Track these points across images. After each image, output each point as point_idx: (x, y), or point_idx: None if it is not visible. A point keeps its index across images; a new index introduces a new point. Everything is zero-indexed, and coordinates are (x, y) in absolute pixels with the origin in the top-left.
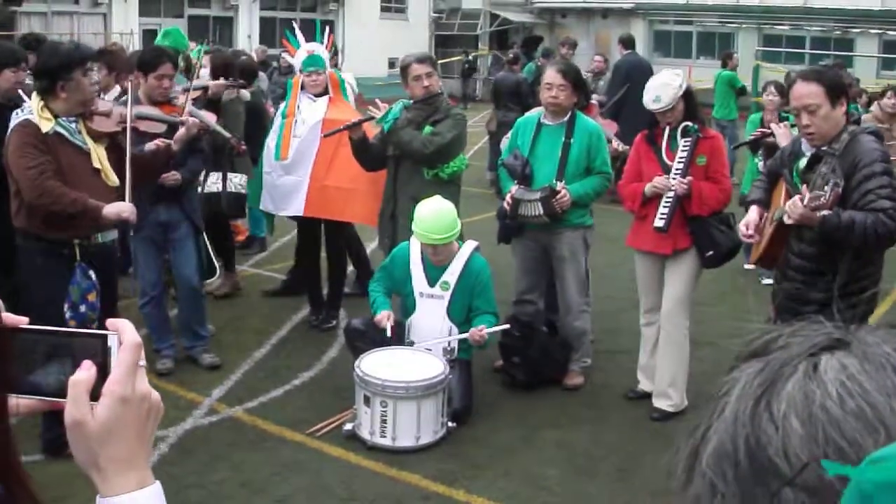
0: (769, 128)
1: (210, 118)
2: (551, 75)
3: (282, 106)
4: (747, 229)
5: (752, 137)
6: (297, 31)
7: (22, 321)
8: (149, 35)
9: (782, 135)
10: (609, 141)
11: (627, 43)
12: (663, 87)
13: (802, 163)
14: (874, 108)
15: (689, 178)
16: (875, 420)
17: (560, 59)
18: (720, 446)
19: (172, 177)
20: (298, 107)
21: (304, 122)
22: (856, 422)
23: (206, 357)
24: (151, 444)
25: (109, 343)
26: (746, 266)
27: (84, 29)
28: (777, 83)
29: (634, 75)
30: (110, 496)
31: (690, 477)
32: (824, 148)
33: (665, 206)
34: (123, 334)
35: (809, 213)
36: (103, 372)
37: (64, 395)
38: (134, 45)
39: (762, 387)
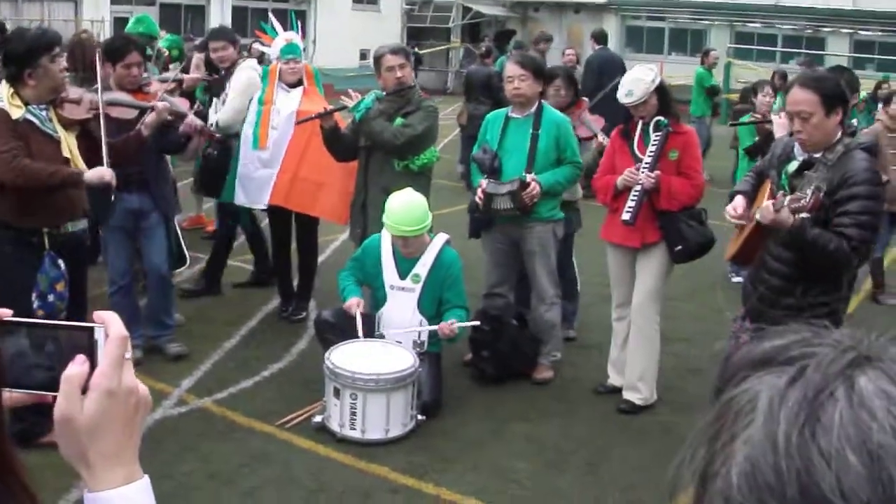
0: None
1: (183, 104)
2: (511, 68)
3: (257, 93)
4: (735, 210)
5: (751, 120)
6: (274, 21)
7: (6, 313)
8: (120, 22)
9: (780, 125)
10: (594, 136)
11: (600, 38)
12: (636, 81)
13: (792, 166)
14: (880, 113)
15: (656, 171)
16: None
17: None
18: (757, 475)
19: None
20: (275, 95)
21: (278, 112)
22: None
23: (173, 347)
24: (139, 438)
25: (96, 336)
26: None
27: (55, 16)
28: (772, 83)
29: (606, 70)
30: (98, 491)
31: (701, 497)
32: (817, 156)
33: (633, 200)
34: (110, 327)
35: (782, 217)
36: (91, 365)
37: (49, 389)
38: (105, 32)
39: (803, 412)
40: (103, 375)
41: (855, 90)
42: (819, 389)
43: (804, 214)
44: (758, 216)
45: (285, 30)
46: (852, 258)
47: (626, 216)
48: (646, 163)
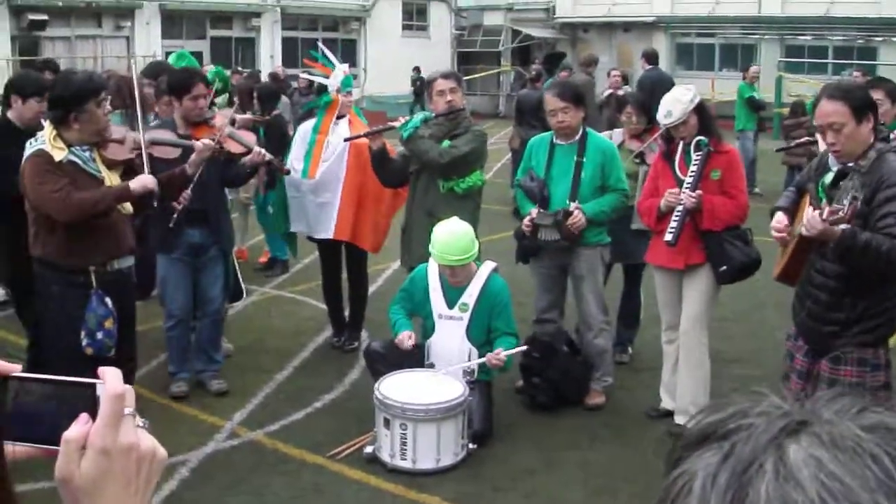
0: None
1: (250, 138)
2: (551, 101)
3: (312, 122)
4: (779, 224)
5: (796, 144)
6: (327, 51)
7: (14, 369)
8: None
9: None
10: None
11: (651, 57)
12: (674, 102)
13: (828, 178)
14: None
15: (698, 191)
16: None
17: (585, 75)
18: None
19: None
20: (332, 127)
21: (330, 144)
22: None
23: (215, 383)
24: (149, 494)
25: (98, 392)
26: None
27: (107, 52)
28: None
29: (658, 90)
30: None
31: None
32: (850, 164)
33: (675, 220)
34: (107, 383)
35: (828, 227)
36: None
37: (53, 443)
38: None
39: (731, 490)
40: (97, 434)
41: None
42: (748, 463)
43: (844, 226)
44: (803, 230)
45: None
46: None
47: (668, 237)
48: (687, 183)
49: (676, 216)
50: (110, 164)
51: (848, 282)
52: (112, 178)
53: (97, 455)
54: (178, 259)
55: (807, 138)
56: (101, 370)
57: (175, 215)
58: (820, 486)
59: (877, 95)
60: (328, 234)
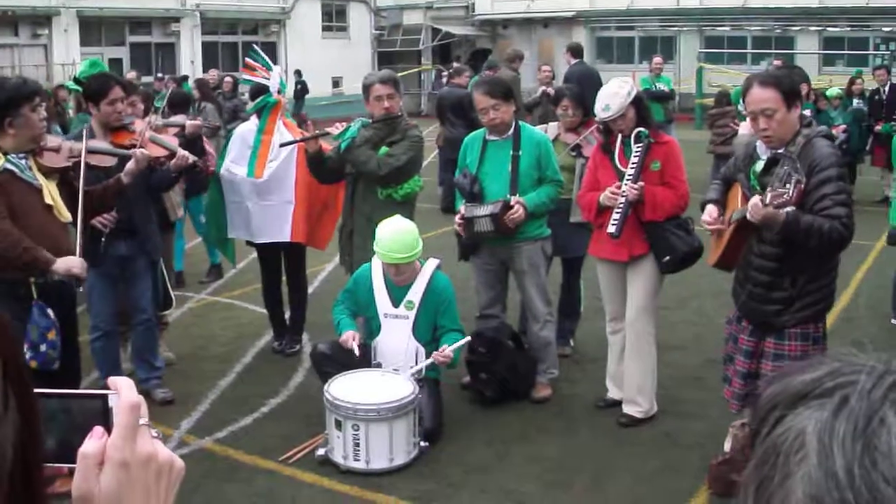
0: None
1: (172, 141)
2: (480, 99)
3: (253, 123)
4: (710, 217)
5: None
6: (261, 52)
7: None
8: None
9: (747, 125)
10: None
11: (576, 52)
12: (611, 95)
13: (759, 166)
14: None
15: (640, 183)
16: None
17: (510, 71)
18: None
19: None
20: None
21: (274, 145)
22: None
23: (160, 392)
24: (171, 502)
25: (110, 403)
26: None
27: (25, 61)
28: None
29: (585, 84)
30: None
31: None
32: (780, 151)
33: (617, 212)
34: (121, 393)
35: (772, 211)
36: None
37: (64, 460)
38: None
39: (856, 441)
40: (114, 447)
41: (805, 81)
42: (868, 417)
43: (790, 209)
44: (747, 216)
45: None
46: (845, 234)
47: (611, 229)
48: (629, 175)
49: (619, 208)
50: (46, 172)
51: (786, 262)
52: (50, 187)
53: (117, 469)
54: (105, 272)
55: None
56: (113, 380)
57: (103, 238)
58: None
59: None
60: (281, 237)
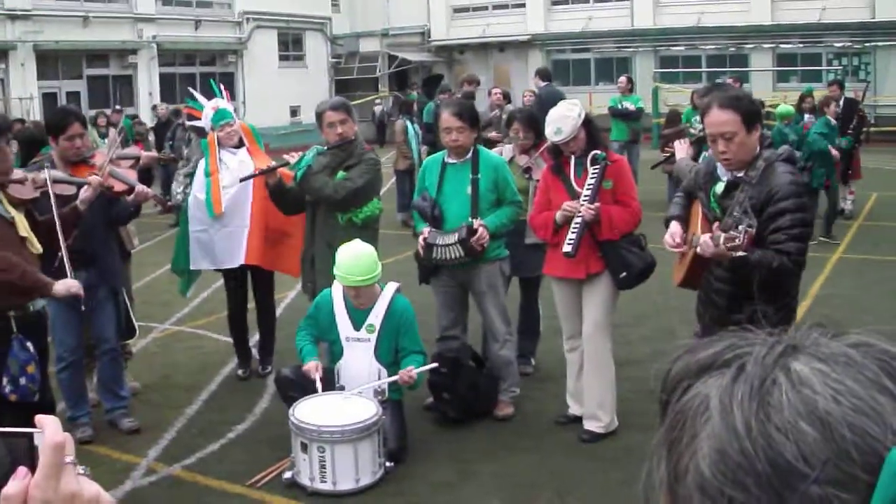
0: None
1: (130, 175)
2: (447, 119)
3: (202, 165)
4: (673, 240)
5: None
6: (197, 94)
7: None
8: (48, 98)
9: (681, 149)
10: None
11: (544, 75)
12: (562, 119)
13: (719, 188)
14: None
15: (596, 204)
16: (870, 410)
17: (464, 94)
18: (727, 461)
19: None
20: (221, 160)
21: (230, 172)
22: (856, 415)
23: (126, 421)
24: None
25: (36, 441)
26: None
27: None
28: (691, 102)
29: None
30: None
31: (676, 494)
32: (740, 175)
33: (573, 232)
34: (46, 431)
35: (722, 251)
36: (33, 473)
37: None
38: (34, 109)
39: (752, 399)
40: (37, 487)
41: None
42: (762, 379)
43: (740, 254)
44: (699, 251)
45: (209, 98)
46: (793, 270)
47: (567, 248)
48: (585, 196)
49: (575, 228)
50: (15, 204)
51: (744, 285)
52: (20, 219)
53: None
54: (66, 303)
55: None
56: (39, 419)
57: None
58: (829, 388)
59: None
60: (238, 260)
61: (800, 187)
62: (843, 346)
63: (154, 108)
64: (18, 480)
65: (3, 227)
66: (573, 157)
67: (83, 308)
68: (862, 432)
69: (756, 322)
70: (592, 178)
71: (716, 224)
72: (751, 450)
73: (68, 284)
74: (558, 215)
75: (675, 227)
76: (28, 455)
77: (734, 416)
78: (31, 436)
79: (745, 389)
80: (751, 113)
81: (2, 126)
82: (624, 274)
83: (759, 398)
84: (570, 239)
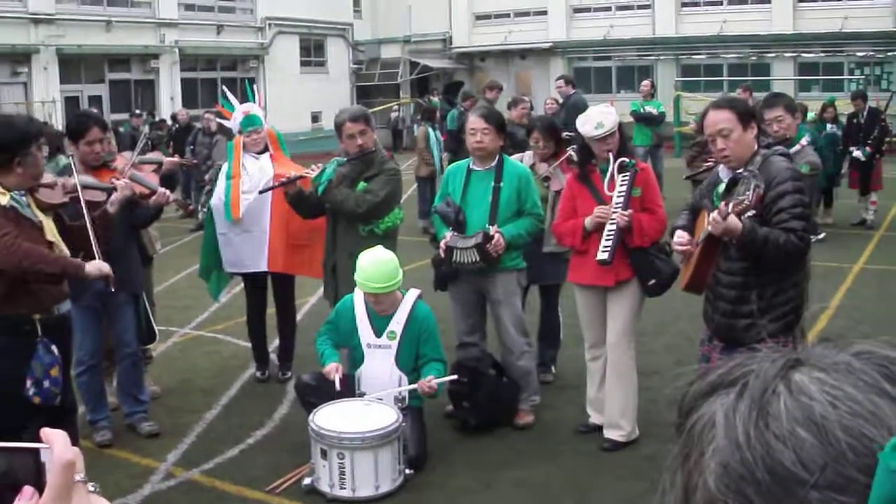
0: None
1: (152, 178)
2: (474, 121)
3: (224, 167)
4: (682, 239)
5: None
6: (229, 94)
7: None
8: (70, 102)
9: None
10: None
11: (572, 82)
12: (603, 114)
13: (721, 188)
14: None
15: (629, 210)
16: (867, 413)
17: (484, 102)
18: (730, 472)
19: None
20: (243, 165)
21: (251, 178)
22: (853, 419)
23: (145, 425)
24: None
25: (43, 458)
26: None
27: (5, 98)
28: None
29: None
30: None
31: None
32: (739, 170)
33: (608, 239)
34: (54, 448)
35: (731, 223)
36: (39, 492)
37: None
38: (56, 112)
39: (752, 410)
40: None
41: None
42: (763, 390)
43: (751, 213)
44: (709, 228)
45: (241, 101)
46: (801, 247)
47: (604, 255)
48: (617, 202)
49: (609, 235)
50: (43, 208)
51: (752, 276)
52: (48, 223)
53: None
54: (87, 306)
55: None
56: (46, 433)
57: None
58: (826, 395)
59: (776, 112)
60: (260, 266)
61: (797, 173)
62: (844, 356)
63: (174, 116)
64: (25, 502)
65: (32, 230)
66: (601, 165)
67: (111, 289)
68: (858, 434)
69: (765, 313)
70: (623, 184)
71: (722, 203)
72: (750, 459)
73: (99, 265)
74: (588, 221)
75: (681, 231)
76: (35, 474)
77: (736, 429)
78: (37, 452)
79: (747, 403)
80: (745, 112)
81: (34, 132)
82: (653, 281)
83: (759, 408)
84: (606, 246)
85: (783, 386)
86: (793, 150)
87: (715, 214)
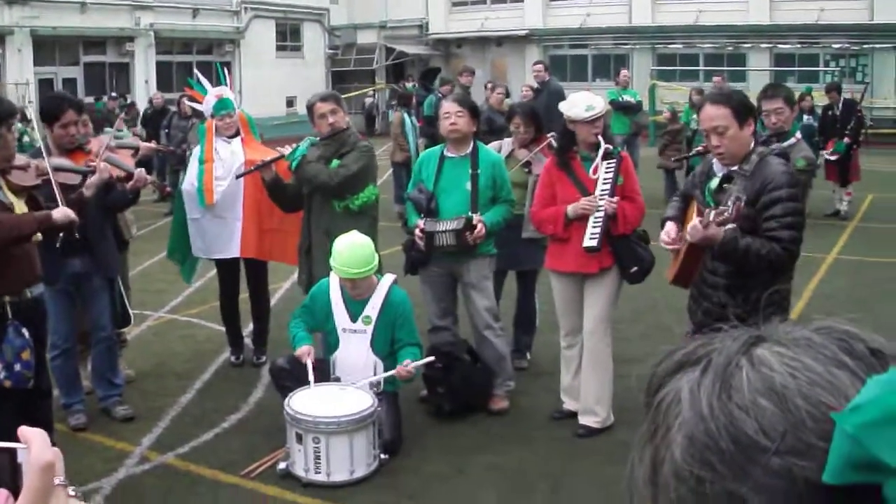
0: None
1: (128, 160)
2: (448, 105)
3: (196, 151)
4: (668, 237)
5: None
6: (201, 77)
7: None
8: (44, 84)
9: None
10: None
11: (548, 68)
12: (591, 97)
13: (714, 182)
14: None
15: (616, 198)
16: (825, 383)
17: (461, 86)
18: (695, 443)
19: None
20: (216, 150)
21: (223, 162)
22: (812, 388)
23: (120, 409)
24: None
25: (19, 458)
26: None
27: None
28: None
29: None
30: None
31: (657, 485)
32: (735, 168)
33: (595, 226)
34: (32, 449)
35: (711, 232)
36: (15, 495)
37: None
38: (30, 94)
39: (715, 383)
40: None
41: (794, 103)
42: (726, 365)
43: (731, 225)
44: (688, 237)
45: (213, 84)
46: (785, 258)
47: (592, 242)
48: (603, 189)
49: (597, 222)
50: (15, 191)
51: (738, 278)
52: (19, 205)
53: None
54: (61, 289)
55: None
56: (23, 432)
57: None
58: (787, 366)
59: (776, 104)
60: (232, 252)
61: (793, 178)
62: (805, 331)
63: (150, 101)
64: None
65: (3, 211)
66: (582, 152)
67: (76, 236)
68: (816, 402)
69: (750, 315)
70: (609, 171)
71: (707, 210)
72: (714, 429)
73: (65, 211)
74: (571, 210)
75: (670, 225)
76: (10, 475)
77: (700, 402)
78: (13, 452)
79: (710, 378)
80: (742, 108)
81: (8, 112)
82: (635, 268)
83: (722, 381)
84: (594, 234)
85: (745, 360)
86: (787, 143)
87: (696, 222)
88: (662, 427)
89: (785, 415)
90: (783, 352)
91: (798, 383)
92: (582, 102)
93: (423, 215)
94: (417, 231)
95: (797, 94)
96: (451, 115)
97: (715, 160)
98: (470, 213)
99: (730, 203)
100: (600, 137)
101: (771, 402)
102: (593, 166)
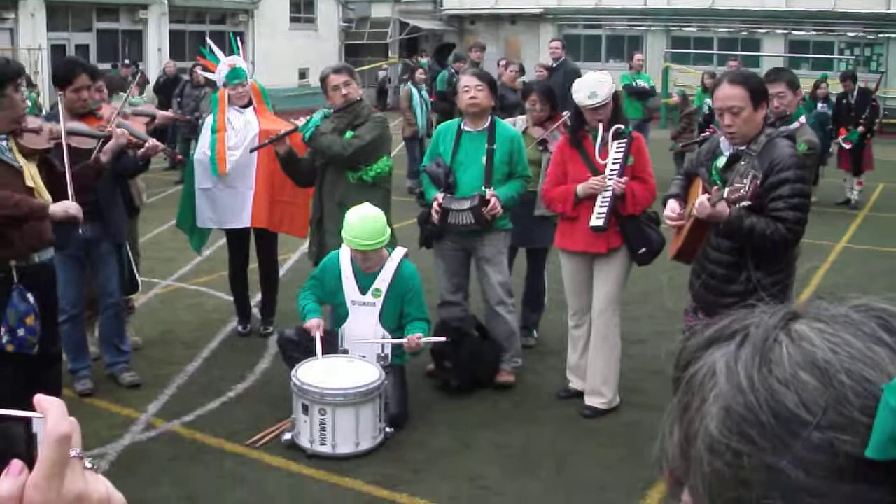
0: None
1: (140, 127)
2: (467, 80)
3: (209, 121)
4: (674, 213)
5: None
6: (213, 46)
7: None
8: (57, 50)
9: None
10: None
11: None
12: (598, 83)
13: (721, 161)
14: None
15: (625, 178)
16: (866, 359)
17: (471, 62)
18: (732, 416)
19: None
20: (228, 119)
21: (236, 132)
22: (853, 363)
23: (127, 376)
24: None
25: (35, 429)
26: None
27: None
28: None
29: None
30: None
31: (689, 458)
32: (743, 148)
33: (603, 206)
34: (49, 419)
35: (719, 209)
36: (29, 466)
37: None
38: (42, 60)
39: (755, 357)
40: (35, 488)
41: (798, 87)
42: (764, 339)
43: (745, 203)
44: (695, 211)
45: (226, 53)
46: (789, 238)
47: (598, 222)
48: (612, 169)
49: (604, 202)
50: (27, 154)
51: (742, 256)
52: (30, 169)
53: None
54: (70, 255)
55: (703, 135)
56: (40, 401)
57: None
58: (827, 342)
59: (778, 88)
60: (243, 222)
61: (800, 160)
62: (842, 308)
63: (163, 69)
64: (12, 478)
65: (10, 175)
66: (593, 132)
67: (80, 231)
68: (859, 377)
69: (751, 294)
70: (619, 151)
71: (714, 188)
72: (754, 402)
73: (65, 206)
74: (581, 189)
75: (673, 202)
76: (25, 446)
77: (738, 375)
78: (28, 422)
79: (748, 351)
80: (759, 91)
81: (15, 72)
82: (644, 249)
83: (761, 355)
84: (600, 213)
85: (784, 335)
86: (791, 127)
87: (703, 198)
88: (696, 401)
89: (827, 389)
90: (823, 328)
91: (840, 359)
92: (587, 88)
93: (441, 189)
94: (435, 205)
95: (812, 82)
96: (471, 89)
97: (722, 139)
98: (483, 189)
99: (746, 181)
100: (601, 124)
101: (812, 377)
102: (599, 146)
